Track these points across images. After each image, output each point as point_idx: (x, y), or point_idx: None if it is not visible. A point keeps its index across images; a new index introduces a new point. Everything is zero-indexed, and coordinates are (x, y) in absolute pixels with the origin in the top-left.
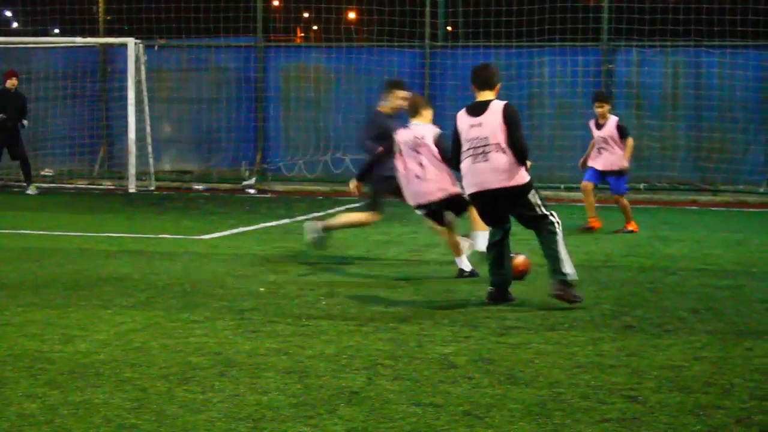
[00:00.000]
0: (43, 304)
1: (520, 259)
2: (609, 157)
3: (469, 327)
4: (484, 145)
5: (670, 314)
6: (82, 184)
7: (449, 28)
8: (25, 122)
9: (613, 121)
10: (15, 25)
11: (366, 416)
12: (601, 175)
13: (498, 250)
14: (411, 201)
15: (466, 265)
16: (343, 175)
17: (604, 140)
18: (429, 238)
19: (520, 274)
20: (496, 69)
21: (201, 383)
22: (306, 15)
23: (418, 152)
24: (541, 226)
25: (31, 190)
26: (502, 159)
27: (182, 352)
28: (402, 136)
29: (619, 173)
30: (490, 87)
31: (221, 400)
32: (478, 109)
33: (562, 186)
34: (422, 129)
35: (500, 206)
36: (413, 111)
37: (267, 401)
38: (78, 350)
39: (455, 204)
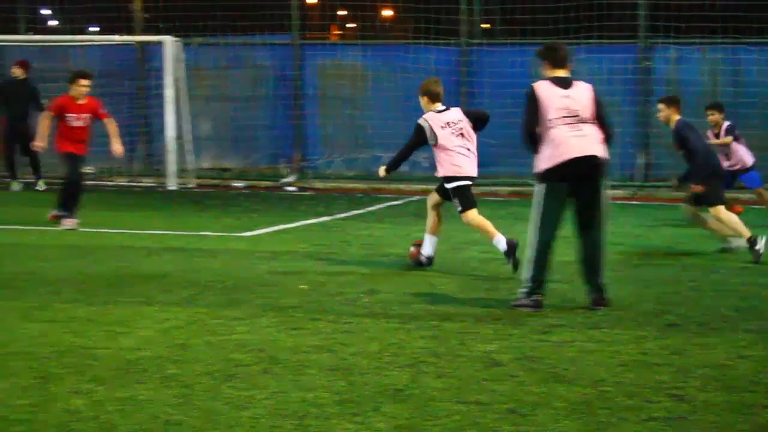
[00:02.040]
0: (86, 300)
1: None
2: (734, 157)
3: (511, 325)
4: (578, 116)
5: (713, 313)
6: (122, 182)
7: (486, 26)
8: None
9: (725, 126)
10: (53, 23)
11: (410, 414)
12: (733, 177)
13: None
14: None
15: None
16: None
17: (724, 146)
18: (469, 235)
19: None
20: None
21: (245, 380)
22: (342, 13)
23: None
24: (596, 218)
25: (40, 186)
26: (596, 131)
27: (226, 349)
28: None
29: (748, 169)
30: (566, 65)
31: (266, 397)
32: (565, 83)
33: None
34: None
35: (588, 179)
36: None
37: (312, 398)
38: (122, 347)
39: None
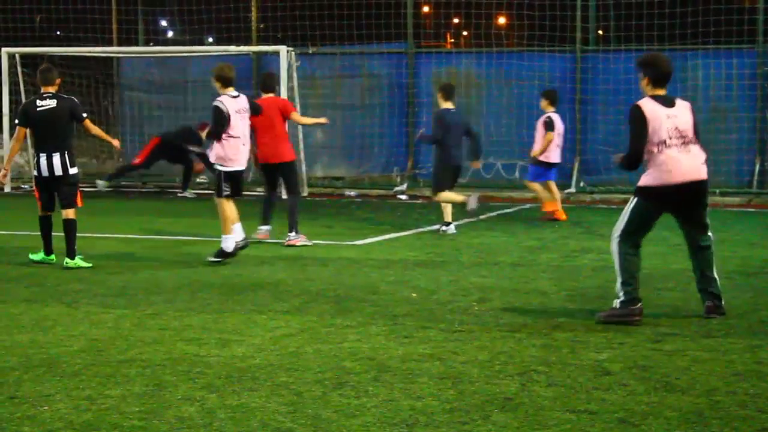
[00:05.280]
0: (199, 308)
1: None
2: None
3: (622, 333)
4: (685, 137)
5: None
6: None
7: (600, 32)
8: None
9: None
10: (170, 34)
11: (520, 423)
12: None
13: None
14: None
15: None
16: (494, 180)
17: None
18: (581, 242)
19: None
20: None
21: (355, 388)
22: (456, 21)
23: None
24: (703, 234)
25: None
26: (699, 151)
27: (336, 357)
28: None
29: None
30: (667, 83)
31: (375, 405)
32: (669, 102)
33: (717, 191)
34: None
35: (692, 201)
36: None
37: (421, 406)
38: (234, 354)
39: None
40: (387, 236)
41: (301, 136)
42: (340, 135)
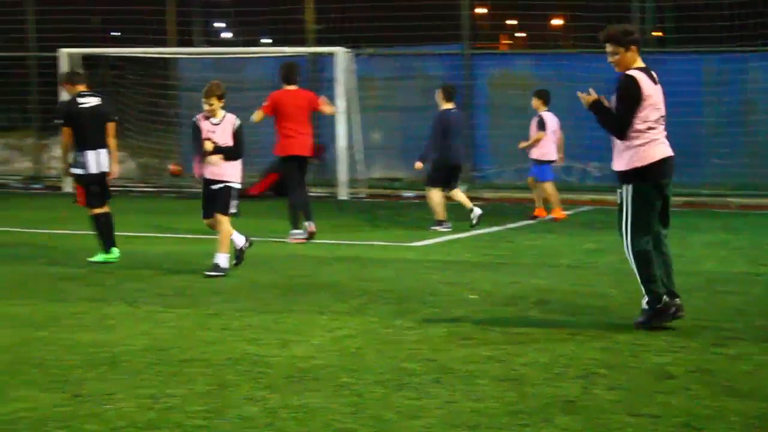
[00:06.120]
0: (260, 309)
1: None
2: None
3: (684, 337)
4: (664, 115)
5: None
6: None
7: (657, 33)
8: None
9: None
10: (227, 35)
11: (582, 426)
12: None
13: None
14: None
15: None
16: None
17: None
18: None
19: None
20: None
21: (417, 389)
22: (511, 22)
23: None
24: (666, 228)
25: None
26: None
27: (397, 359)
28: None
29: None
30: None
31: (437, 406)
32: (653, 77)
33: None
34: None
35: (669, 181)
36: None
37: (482, 408)
38: (295, 355)
39: None
40: (445, 238)
41: (358, 137)
42: (398, 136)
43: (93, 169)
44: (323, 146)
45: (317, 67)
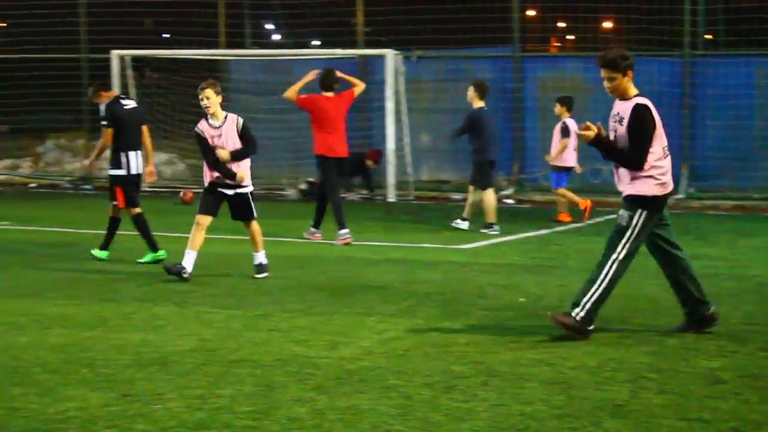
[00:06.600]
0: (308, 310)
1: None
2: None
3: (735, 341)
4: None
5: None
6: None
7: (709, 36)
8: None
9: None
10: (276, 37)
11: (631, 430)
12: None
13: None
14: None
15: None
16: (602, 186)
17: None
18: (690, 249)
19: None
20: None
21: (465, 392)
22: (561, 24)
23: None
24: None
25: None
26: None
27: (445, 361)
28: None
29: None
30: None
31: (485, 409)
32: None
33: None
34: None
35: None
36: None
37: (531, 412)
38: (343, 356)
39: None
40: (494, 240)
41: (407, 139)
42: (446, 139)
43: (134, 169)
44: (379, 151)
45: (367, 69)
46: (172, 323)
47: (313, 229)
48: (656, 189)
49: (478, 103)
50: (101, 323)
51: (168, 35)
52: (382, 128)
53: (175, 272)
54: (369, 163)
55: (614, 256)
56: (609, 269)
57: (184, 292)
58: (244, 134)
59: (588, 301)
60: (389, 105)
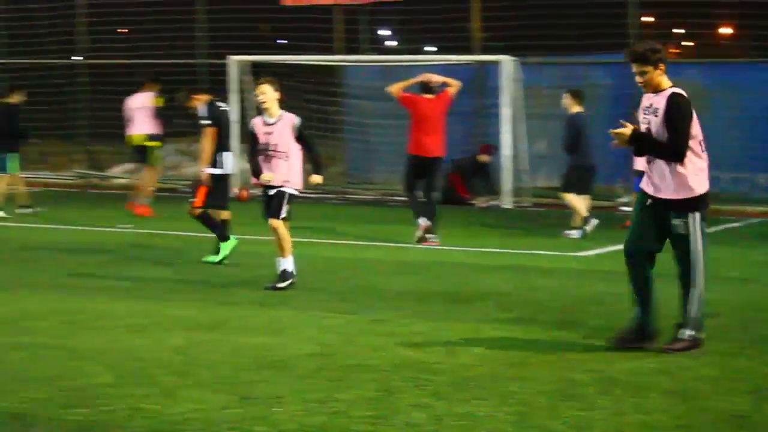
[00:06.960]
0: (424, 315)
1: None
2: None
3: None
4: None
5: None
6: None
7: None
8: None
9: None
10: (392, 43)
11: None
12: None
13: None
14: None
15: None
16: (720, 193)
17: None
18: None
19: None
20: None
21: (583, 400)
22: (678, 31)
23: None
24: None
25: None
26: None
27: (562, 369)
28: None
29: None
30: None
31: (604, 418)
32: None
33: None
34: None
35: None
36: None
37: (650, 421)
38: (460, 363)
39: None
40: (611, 248)
41: (523, 146)
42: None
43: (229, 169)
44: (490, 145)
45: (483, 75)
46: (290, 327)
47: (428, 235)
48: (699, 187)
49: (576, 108)
50: (221, 326)
51: (285, 41)
52: (498, 135)
53: (287, 283)
54: (483, 157)
55: (691, 264)
56: (694, 276)
57: (301, 297)
58: (300, 136)
59: (689, 314)
60: (505, 111)
